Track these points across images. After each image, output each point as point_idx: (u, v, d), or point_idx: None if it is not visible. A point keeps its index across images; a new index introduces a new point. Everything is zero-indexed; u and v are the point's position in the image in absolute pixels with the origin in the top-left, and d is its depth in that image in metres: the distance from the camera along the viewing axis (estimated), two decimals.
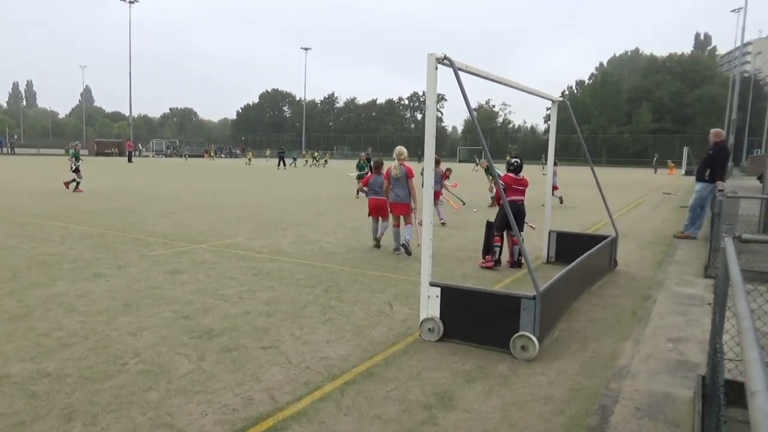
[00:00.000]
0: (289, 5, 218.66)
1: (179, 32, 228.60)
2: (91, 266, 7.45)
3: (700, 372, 4.01)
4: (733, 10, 55.02)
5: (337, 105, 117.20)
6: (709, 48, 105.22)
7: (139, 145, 79.47)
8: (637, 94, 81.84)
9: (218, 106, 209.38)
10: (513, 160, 8.04)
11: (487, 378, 4.08)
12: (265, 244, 9.41)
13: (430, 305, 4.86)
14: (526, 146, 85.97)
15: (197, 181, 26.31)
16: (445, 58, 4.58)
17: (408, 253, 8.60)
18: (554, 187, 18.12)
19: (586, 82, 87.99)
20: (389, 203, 8.73)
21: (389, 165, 8.88)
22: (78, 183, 18.63)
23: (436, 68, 4.60)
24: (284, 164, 43.62)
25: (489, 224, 7.91)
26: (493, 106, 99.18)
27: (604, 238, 7.71)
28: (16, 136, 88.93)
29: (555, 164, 19.03)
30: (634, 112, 79.87)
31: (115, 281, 6.68)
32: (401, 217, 8.74)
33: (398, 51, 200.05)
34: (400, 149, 8.77)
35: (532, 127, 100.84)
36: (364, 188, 9.40)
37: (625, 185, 28.86)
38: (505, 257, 8.07)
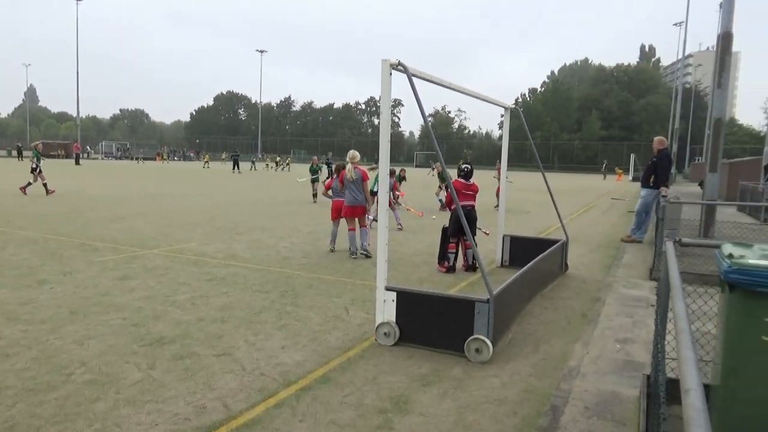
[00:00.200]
0: (244, 6, 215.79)
1: (130, 30, 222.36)
2: (35, 273, 7.16)
3: (645, 371, 4.17)
4: (676, 24, 57.81)
5: (294, 108, 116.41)
6: (653, 59, 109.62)
7: (88, 147, 76.82)
8: (587, 103, 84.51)
9: (171, 108, 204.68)
10: (464, 166, 8.22)
11: (442, 381, 4.13)
12: (219, 249, 9.25)
13: (386, 310, 4.88)
14: (481, 152, 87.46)
15: (149, 184, 25.61)
16: (399, 64, 4.63)
17: (368, 256, 8.73)
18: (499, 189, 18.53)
19: (539, 90, 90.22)
20: (345, 206, 8.81)
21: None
22: (44, 185, 18.02)
23: (391, 74, 4.64)
24: (238, 168, 42.97)
25: (444, 230, 8.03)
26: (449, 112, 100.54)
27: (555, 242, 7.91)
28: None
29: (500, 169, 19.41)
30: (584, 119, 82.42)
31: (60, 288, 6.44)
32: (356, 221, 8.84)
33: (356, 56, 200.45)
34: (353, 153, 8.99)
35: (487, 133, 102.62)
36: (329, 192, 9.46)
37: (575, 191, 29.71)
38: (460, 262, 8.19)
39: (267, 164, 54.72)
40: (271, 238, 10.57)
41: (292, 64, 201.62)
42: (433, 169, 18.64)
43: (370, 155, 68.96)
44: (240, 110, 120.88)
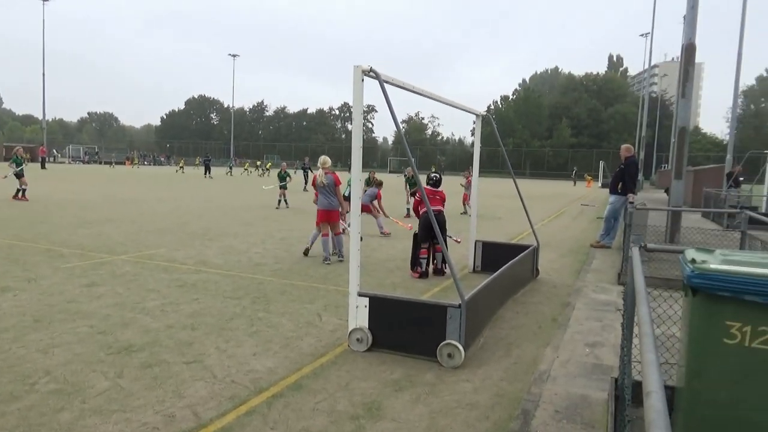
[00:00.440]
0: (215, 9, 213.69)
1: (98, 32, 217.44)
2: None
3: (613, 374, 4.25)
4: (642, 35, 59.39)
5: (267, 113, 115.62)
6: (621, 69, 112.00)
7: (54, 151, 74.92)
8: (557, 110, 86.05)
9: (141, 112, 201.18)
10: (432, 175, 8.63)
11: (414, 386, 4.14)
12: (190, 255, 9.12)
13: (359, 315, 4.87)
14: (454, 158, 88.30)
15: (118, 189, 25.12)
16: (371, 70, 4.65)
17: (341, 259, 8.86)
18: (469, 198, 18.70)
19: (510, 97, 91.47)
20: (319, 210, 8.81)
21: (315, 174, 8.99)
22: (23, 190, 17.48)
23: (363, 80, 4.66)
24: (210, 173, 42.47)
25: (415, 236, 8.15)
26: (422, 119, 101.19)
27: (526, 247, 8.02)
28: None
29: (468, 176, 19.66)
30: (555, 127, 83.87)
31: (24, 295, 6.26)
32: (329, 226, 8.85)
33: (330, 61, 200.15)
34: (324, 158, 9.06)
35: (460, 140, 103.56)
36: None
37: (546, 197, 30.16)
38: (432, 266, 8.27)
39: (246, 169, 54.08)
40: (243, 244, 10.47)
41: (265, 68, 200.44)
42: (405, 175, 18.68)
43: (344, 161, 68.96)
44: (212, 115, 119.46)
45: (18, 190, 17.46)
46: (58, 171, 43.46)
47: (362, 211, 12.29)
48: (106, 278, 7.28)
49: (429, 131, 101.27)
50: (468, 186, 18.85)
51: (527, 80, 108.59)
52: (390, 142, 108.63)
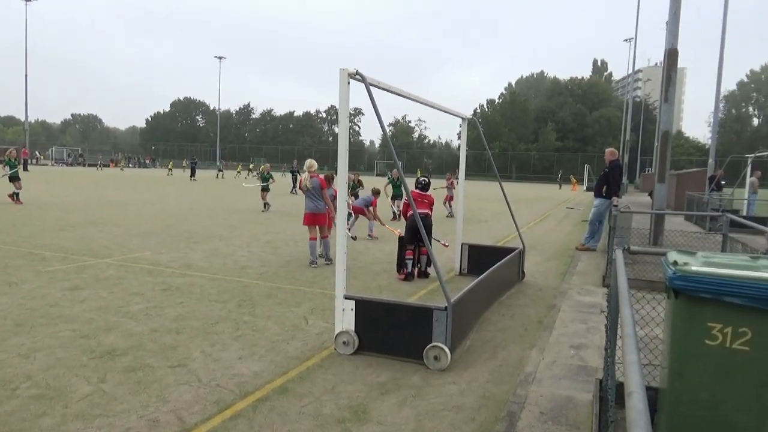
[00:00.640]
0: (201, 10, 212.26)
1: (82, 32, 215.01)
2: None
3: (598, 376, 4.28)
4: (626, 40, 60.00)
5: (253, 116, 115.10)
6: (605, 73, 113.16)
7: (37, 153, 73.99)
8: (543, 114, 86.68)
9: (126, 114, 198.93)
10: (421, 179, 8.69)
11: (401, 389, 4.14)
12: (175, 258, 9.04)
13: (345, 318, 4.87)
14: (441, 161, 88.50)
15: (103, 191, 24.86)
16: (357, 73, 4.66)
17: (328, 263, 8.84)
18: (450, 198, 18.79)
19: (497, 101, 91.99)
20: (305, 213, 8.80)
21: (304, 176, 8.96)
22: (16, 194, 17.24)
23: (349, 83, 4.67)
24: (194, 175, 42.19)
25: (401, 239, 8.18)
26: (409, 122, 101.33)
27: (512, 250, 8.06)
28: None
29: (449, 177, 19.71)
30: (540, 131, 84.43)
31: (5, 299, 6.17)
32: (318, 230, 8.82)
33: (317, 64, 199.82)
34: (310, 162, 9.07)
35: (446, 143, 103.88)
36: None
37: (532, 200, 30.35)
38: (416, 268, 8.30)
39: (239, 172, 53.66)
40: (228, 247, 10.41)
41: (251, 71, 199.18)
42: (389, 179, 18.63)
43: (331, 164, 68.87)
44: (198, 117, 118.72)
45: (15, 193, 17.26)
46: (40, 173, 42.87)
47: (356, 213, 12.39)
48: (89, 282, 7.19)
49: (416, 134, 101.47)
50: (450, 187, 18.92)
51: (513, 84, 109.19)
52: (377, 145, 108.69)
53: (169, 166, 54.04)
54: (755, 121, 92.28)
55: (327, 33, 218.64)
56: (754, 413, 2.61)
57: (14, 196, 17.20)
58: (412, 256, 8.06)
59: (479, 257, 8.34)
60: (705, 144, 77.19)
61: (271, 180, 18.42)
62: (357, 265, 8.87)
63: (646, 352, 3.96)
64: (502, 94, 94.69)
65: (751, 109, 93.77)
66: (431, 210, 8.47)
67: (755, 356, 2.56)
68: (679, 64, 10.66)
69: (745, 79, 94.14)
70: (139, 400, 3.77)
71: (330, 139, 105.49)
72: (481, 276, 6.13)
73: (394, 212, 16.01)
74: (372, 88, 4.76)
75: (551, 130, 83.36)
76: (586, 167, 55.28)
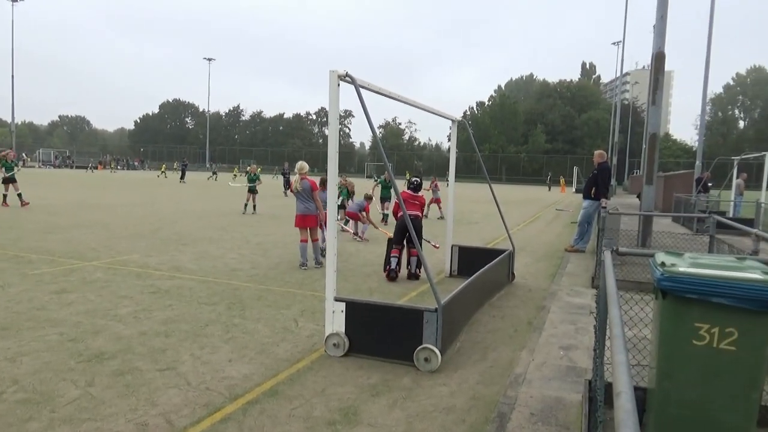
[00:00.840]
0: (190, 11, 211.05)
1: (69, 33, 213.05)
2: None
3: (587, 377, 4.31)
4: (614, 43, 60.64)
5: (243, 118, 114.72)
6: (594, 76, 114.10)
7: (23, 155, 73.18)
8: (532, 116, 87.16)
9: (114, 115, 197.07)
10: (413, 179, 8.74)
11: (391, 391, 4.14)
12: (164, 261, 8.99)
13: (336, 320, 4.86)
14: (431, 163, 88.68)
15: (90, 194, 24.65)
16: (347, 75, 4.66)
17: (318, 266, 8.82)
18: (437, 201, 18.81)
19: (486, 103, 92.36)
20: (296, 215, 8.79)
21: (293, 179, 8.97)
22: (19, 195, 17.16)
23: (339, 85, 4.67)
24: (184, 177, 41.98)
25: (390, 241, 8.21)
26: (400, 124, 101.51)
27: (502, 252, 8.09)
28: None
29: (433, 180, 19.70)
30: (530, 133, 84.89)
31: None
32: (309, 232, 8.81)
33: (307, 66, 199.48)
34: (301, 164, 9.07)
35: (436, 145, 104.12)
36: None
37: (522, 202, 30.49)
38: (407, 270, 8.31)
39: (236, 175, 53.40)
40: (218, 249, 10.36)
41: (241, 73, 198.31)
42: (377, 180, 18.60)
43: (321, 166, 68.75)
44: (187, 119, 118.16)
45: (5, 196, 17.12)
46: (27, 175, 42.40)
47: (351, 218, 12.42)
48: (76, 285, 7.13)
49: (406, 136, 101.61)
50: (435, 189, 18.95)
51: (503, 86, 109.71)
52: (367, 147, 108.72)
53: (162, 169, 53.71)
54: (741, 124, 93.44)
55: (317, 35, 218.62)
56: (741, 412, 2.64)
57: (17, 198, 17.20)
58: (397, 255, 8.08)
59: (469, 259, 8.36)
60: (692, 146, 77.99)
61: (258, 181, 18.34)
62: (347, 267, 8.86)
63: (635, 352, 4.00)
64: (491, 96, 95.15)
65: (737, 111, 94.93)
66: (422, 211, 8.51)
67: (741, 356, 2.58)
68: (667, 68, 10.76)
69: (731, 83, 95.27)
70: (128, 404, 3.74)
71: (320, 141, 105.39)
72: (472, 277, 6.14)
73: (382, 214, 16.01)
74: (362, 90, 4.76)
75: (540, 132, 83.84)
76: (575, 169, 55.64)
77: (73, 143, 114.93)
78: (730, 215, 17.85)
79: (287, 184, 27.07)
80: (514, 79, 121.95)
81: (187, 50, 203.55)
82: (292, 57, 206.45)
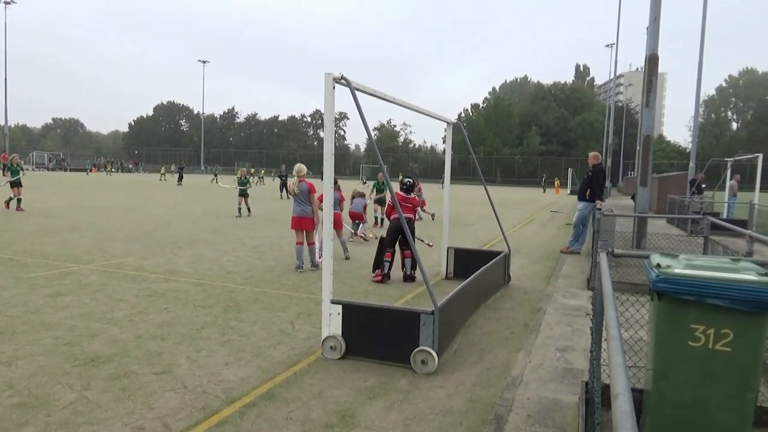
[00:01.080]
0: (184, 13, 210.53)
1: (63, 35, 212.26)
2: None
3: (583, 378, 4.32)
4: (608, 45, 60.85)
5: (238, 120, 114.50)
6: (588, 78, 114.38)
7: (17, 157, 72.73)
8: (527, 119, 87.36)
9: (108, 118, 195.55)
10: (406, 180, 8.68)
11: (388, 394, 4.14)
12: (159, 264, 8.96)
13: (332, 323, 4.86)
14: (426, 165, 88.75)
15: (86, 196, 24.55)
16: (342, 77, 4.67)
17: (314, 268, 8.82)
18: (422, 203, 18.76)
19: (481, 105, 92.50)
20: (293, 217, 8.79)
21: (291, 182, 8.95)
22: (18, 200, 17.06)
23: (334, 88, 4.67)
24: (181, 180, 41.84)
25: (381, 240, 8.18)
26: (395, 126, 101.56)
27: (498, 254, 8.10)
28: None
29: (417, 184, 19.61)
30: (525, 135, 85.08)
31: None
32: (305, 234, 8.80)
33: (302, 68, 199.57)
34: (299, 167, 9.07)
35: (432, 147, 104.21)
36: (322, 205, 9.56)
37: (517, 203, 30.55)
38: (400, 273, 8.30)
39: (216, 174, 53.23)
40: (214, 252, 10.34)
41: (235, 75, 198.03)
42: (364, 183, 18.62)
43: (316, 168, 68.71)
44: (181, 121, 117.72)
45: (11, 199, 17.04)
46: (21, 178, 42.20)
47: (354, 219, 12.52)
48: (71, 288, 7.10)
49: (401, 138, 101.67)
50: (418, 192, 18.89)
51: (497, 89, 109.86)
52: (362, 149, 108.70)
53: (162, 171, 53.51)
54: (734, 126, 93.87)
55: (312, 37, 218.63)
56: (737, 413, 2.66)
57: (17, 202, 17.10)
58: (390, 259, 8.08)
59: (465, 261, 8.37)
60: (686, 148, 78.34)
61: (248, 185, 18.30)
62: (343, 269, 8.86)
63: (631, 354, 4.02)
64: (486, 98, 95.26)
65: (730, 113, 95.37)
66: (415, 214, 8.52)
67: (737, 357, 2.60)
68: (660, 70, 10.83)
69: (724, 84, 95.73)
70: (124, 408, 3.72)
71: (315, 143, 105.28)
72: (468, 280, 6.15)
73: (375, 217, 16.00)
74: (357, 93, 4.77)
75: (535, 134, 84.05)
76: (570, 171, 55.78)
77: (67, 146, 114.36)
78: (724, 216, 17.95)
79: (284, 186, 27.08)
80: (508, 81, 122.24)
81: (181, 52, 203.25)
82: (288, 59, 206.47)
